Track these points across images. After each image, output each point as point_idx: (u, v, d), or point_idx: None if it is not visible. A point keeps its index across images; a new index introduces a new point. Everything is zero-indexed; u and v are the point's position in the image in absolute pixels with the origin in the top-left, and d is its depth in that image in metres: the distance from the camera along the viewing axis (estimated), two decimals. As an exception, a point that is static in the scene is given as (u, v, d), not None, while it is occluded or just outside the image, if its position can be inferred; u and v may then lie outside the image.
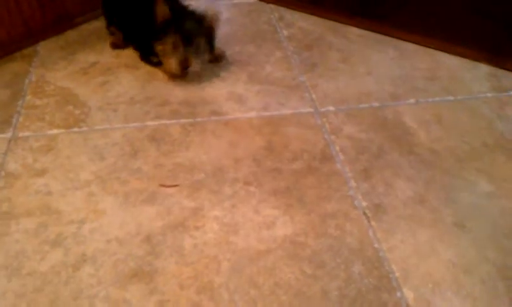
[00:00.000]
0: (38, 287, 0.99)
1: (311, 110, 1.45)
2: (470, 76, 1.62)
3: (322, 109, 1.45)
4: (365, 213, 1.15)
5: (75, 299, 0.97)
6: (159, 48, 1.49)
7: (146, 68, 1.60)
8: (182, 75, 1.54)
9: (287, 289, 1.00)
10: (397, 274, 1.03)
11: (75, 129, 1.36)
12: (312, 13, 1.92)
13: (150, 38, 1.49)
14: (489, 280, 1.03)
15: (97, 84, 1.53)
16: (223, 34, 1.82)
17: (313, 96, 1.50)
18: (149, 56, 1.57)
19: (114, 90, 1.50)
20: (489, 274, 1.04)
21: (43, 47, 1.69)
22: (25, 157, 1.27)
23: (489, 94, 1.53)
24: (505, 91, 1.55)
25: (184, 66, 1.52)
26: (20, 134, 1.34)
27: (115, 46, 1.70)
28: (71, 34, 1.75)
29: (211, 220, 1.13)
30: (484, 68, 1.65)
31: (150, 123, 1.39)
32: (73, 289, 0.98)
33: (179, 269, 1.03)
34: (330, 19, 1.89)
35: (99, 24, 1.81)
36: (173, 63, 1.50)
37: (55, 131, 1.35)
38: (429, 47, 1.74)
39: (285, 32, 1.81)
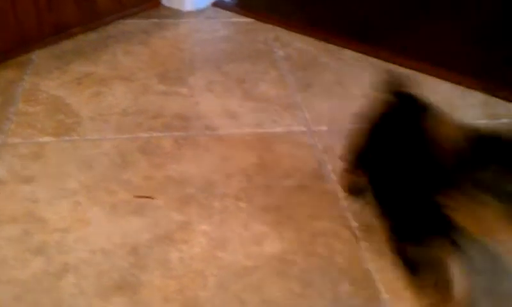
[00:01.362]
0: (18, 295, 0.96)
1: (304, 129, 1.45)
2: (463, 103, 1.62)
3: (315, 129, 1.45)
4: (354, 234, 1.14)
5: (55, 309, 0.95)
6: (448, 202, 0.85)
7: (141, 80, 1.60)
8: None
9: (274, 307, 0.98)
10: (385, 296, 1.01)
11: (66, 138, 1.35)
12: (309, 35, 1.93)
13: (425, 195, 0.89)
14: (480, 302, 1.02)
15: (90, 94, 1.52)
16: (219, 50, 1.83)
17: (307, 115, 1.50)
18: (416, 236, 0.95)
19: (107, 101, 1.50)
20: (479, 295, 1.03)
21: (38, 56, 1.68)
22: (14, 163, 1.26)
23: (482, 122, 1.54)
24: (498, 118, 1.55)
25: None
26: (10, 141, 1.32)
27: (354, 191, 1.19)
28: (67, 44, 1.75)
29: (199, 234, 1.11)
30: (478, 96, 1.66)
31: (141, 135, 1.38)
32: (54, 298, 0.96)
33: (164, 282, 1.01)
34: (326, 41, 1.90)
35: (96, 35, 1.81)
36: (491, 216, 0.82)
37: (45, 139, 1.34)
38: (424, 73, 1.75)
39: (281, 52, 1.82)
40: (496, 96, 1.65)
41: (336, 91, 1.63)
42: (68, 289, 0.98)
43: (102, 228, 1.11)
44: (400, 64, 1.78)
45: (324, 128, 1.46)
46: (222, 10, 2.11)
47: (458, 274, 0.91)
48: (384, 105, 1.06)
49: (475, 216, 0.83)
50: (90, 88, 1.54)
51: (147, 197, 1.19)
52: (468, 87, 1.69)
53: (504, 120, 1.54)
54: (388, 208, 1.01)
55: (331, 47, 1.87)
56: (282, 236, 1.12)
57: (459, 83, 1.70)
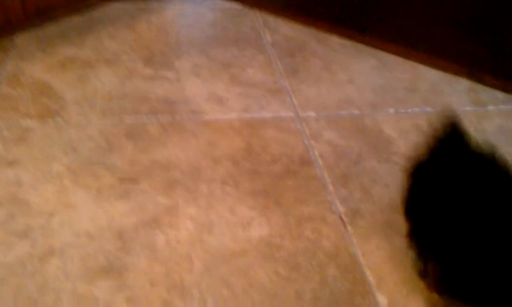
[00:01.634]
0: (2, 278, 0.95)
1: (291, 114, 1.44)
2: (449, 89, 1.63)
3: (303, 114, 1.45)
4: (341, 218, 1.14)
5: (40, 292, 0.93)
6: None
7: (127, 64, 1.58)
8: None
9: (261, 290, 0.98)
10: (372, 279, 1.02)
11: (50, 121, 1.33)
12: (296, 21, 1.92)
13: None
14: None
15: (75, 78, 1.50)
16: (206, 35, 1.81)
17: (294, 101, 1.50)
18: None
19: (92, 85, 1.47)
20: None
21: (21, 38, 1.65)
22: (-4, 146, 1.24)
23: (467, 108, 1.55)
24: (483, 105, 1.56)
25: None
26: (-8, 124, 1.30)
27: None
28: (51, 27, 1.72)
29: (185, 218, 1.11)
30: (464, 83, 1.67)
31: (127, 119, 1.36)
32: (39, 281, 0.95)
33: (150, 266, 1.00)
34: (314, 27, 1.89)
35: (80, 19, 1.78)
36: None
37: (29, 122, 1.32)
38: (411, 59, 1.75)
39: (269, 38, 1.80)
40: (483, 83, 1.66)
41: (324, 76, 1.62)
42: (53, 272, 0.97)
43: (88, 212, 1.10)
44: (388, 51, 1.78)
45: (311, 113, 1.45)
46: (209, -5, 2.09)
47: None
48: (445, 153, 0.98)
49: None
50: (75, 71, 1.52)
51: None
52: (455, 73, 1.69)
53: (490, 106, 1.55)
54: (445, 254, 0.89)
55: (318, 33, 1.86)
56: (269, 220, 1.12)
57: (446, 70, 1.71)
